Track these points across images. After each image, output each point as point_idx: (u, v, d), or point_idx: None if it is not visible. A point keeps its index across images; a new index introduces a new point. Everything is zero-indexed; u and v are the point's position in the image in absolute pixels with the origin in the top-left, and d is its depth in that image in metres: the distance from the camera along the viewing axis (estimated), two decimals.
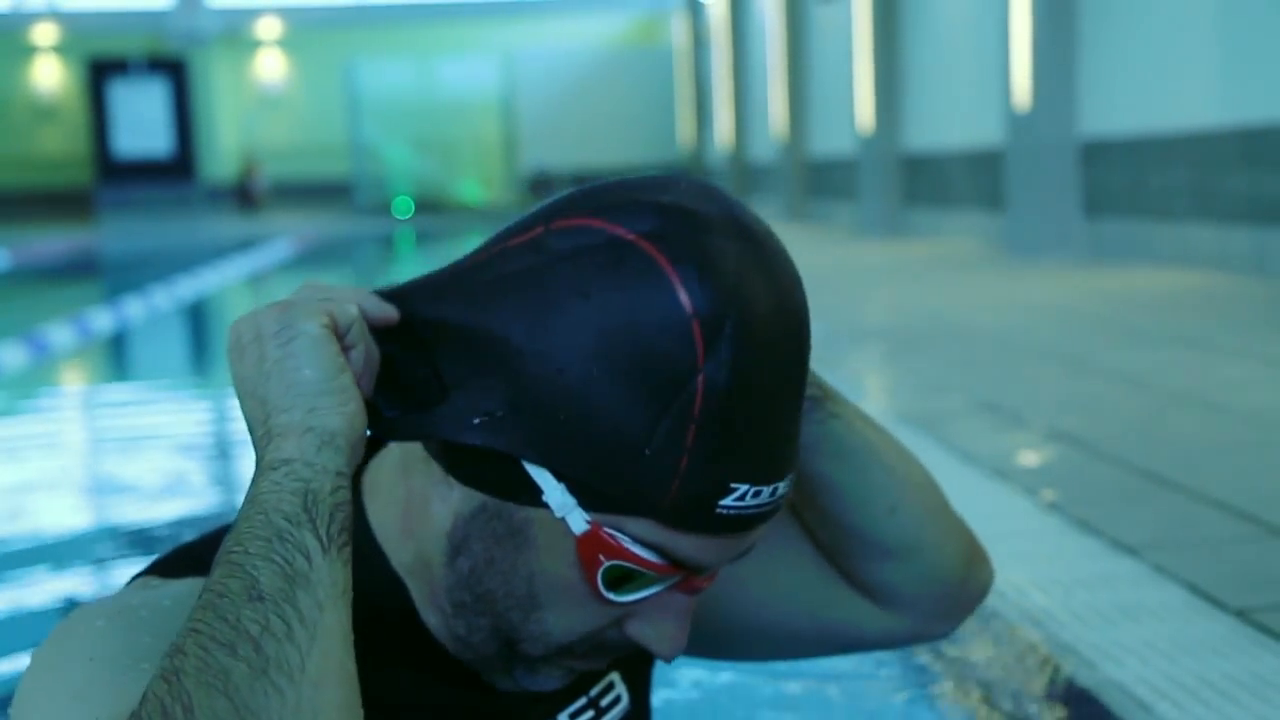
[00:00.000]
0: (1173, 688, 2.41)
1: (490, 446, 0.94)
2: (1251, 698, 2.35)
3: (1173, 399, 5.17)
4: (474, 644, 1.03)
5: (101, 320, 10.86)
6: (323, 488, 0.91)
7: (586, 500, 0.93)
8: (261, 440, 0.93)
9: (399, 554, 1.07)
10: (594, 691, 1.18)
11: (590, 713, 1.17)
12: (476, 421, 0.94)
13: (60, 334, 9.80)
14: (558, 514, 0.94)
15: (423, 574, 1.05)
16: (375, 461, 1.11)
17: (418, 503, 1.04)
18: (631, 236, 0.93)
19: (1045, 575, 3.08)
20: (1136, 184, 10.88)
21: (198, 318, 12.53)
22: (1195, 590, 2.91)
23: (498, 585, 0.99)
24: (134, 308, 11.74)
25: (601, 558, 0.94)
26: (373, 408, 0.97)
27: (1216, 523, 3.44)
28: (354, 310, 0.95)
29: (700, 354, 0.90)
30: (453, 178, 32.96)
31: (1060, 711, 2.47)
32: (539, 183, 30.44)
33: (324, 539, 0.89)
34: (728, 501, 0.92)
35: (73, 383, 8.56)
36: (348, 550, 0.91)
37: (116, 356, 9.76)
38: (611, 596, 0.96)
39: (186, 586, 1.02)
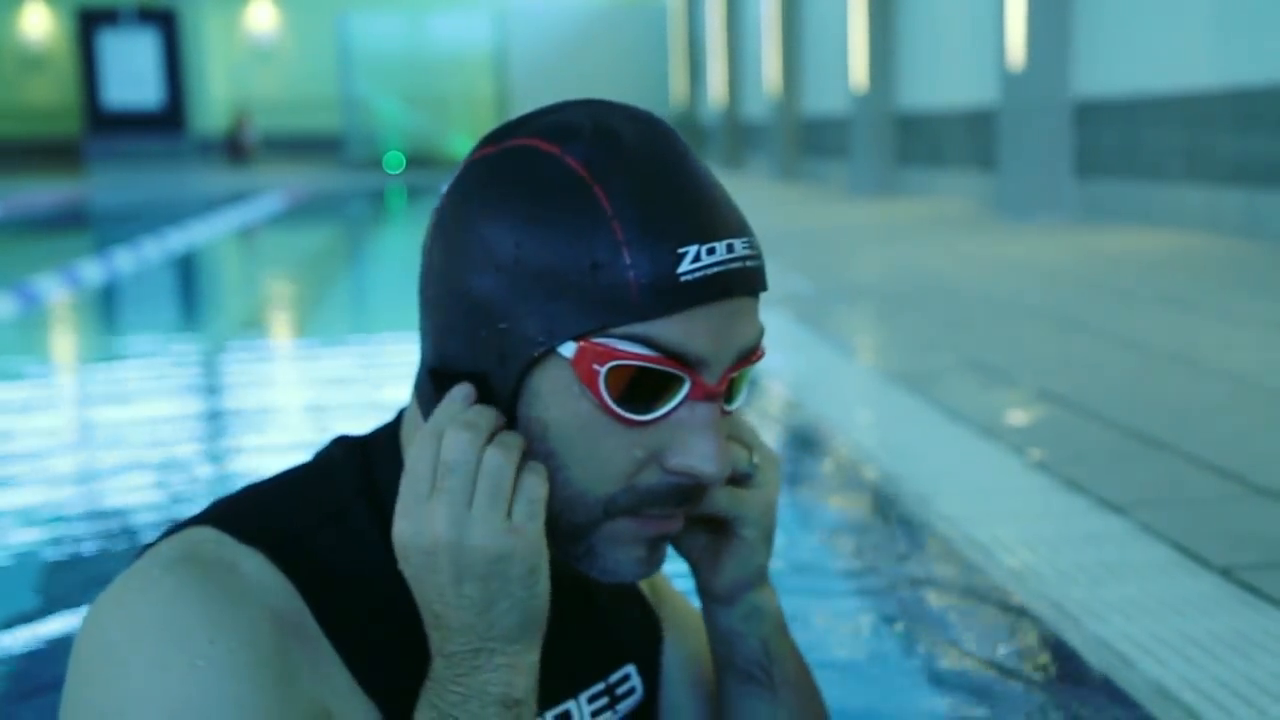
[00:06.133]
0: (1156, 644, 2.43)
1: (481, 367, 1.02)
2: (1234, 655, 2.37)
3: (1161, 360, 5.19)
4: None
5: (91, 271, 10.83)
6: None
7: (567, 336, 0.99)
8: (468, 647, 1.00)
9: None
10: (612, 678, 1.22)
11: (606, 699, 1.20)
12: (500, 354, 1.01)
13: (49, 285, 9.78)
14: (548, 345, 0.99)
15: None
16: (406, 413, 1.13)
17: None
18: (495, 148, 1.04)
19: (1032, 533, 3.10)
20: (1129, 145, 10.86)
21: (188, 270, 12.50)
22: (1181, 549, 2.93)
23: None
24: (123, 260, 11.71)
25: (596, 366, 0.97)
26: None
27: (1203, 482, 3.46)
28: (493, 471, 1.00)
29: (584, 173, 0.98)
30: (444, 133, 32.81)
31: (1045, 667, 2.48)
32: None
33: None
34: (686, 267, 0.97)
35: (62, 333, 8.55)
36: None
37: (106, 308, 9.74)
38: (624, 412, 0.98)
39: (263, 569, 1.03)
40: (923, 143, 15.89)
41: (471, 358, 1.01)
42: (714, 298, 0.98)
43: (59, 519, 3.88)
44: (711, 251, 0.98)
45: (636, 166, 0.99)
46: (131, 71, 33.00)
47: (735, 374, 1.02)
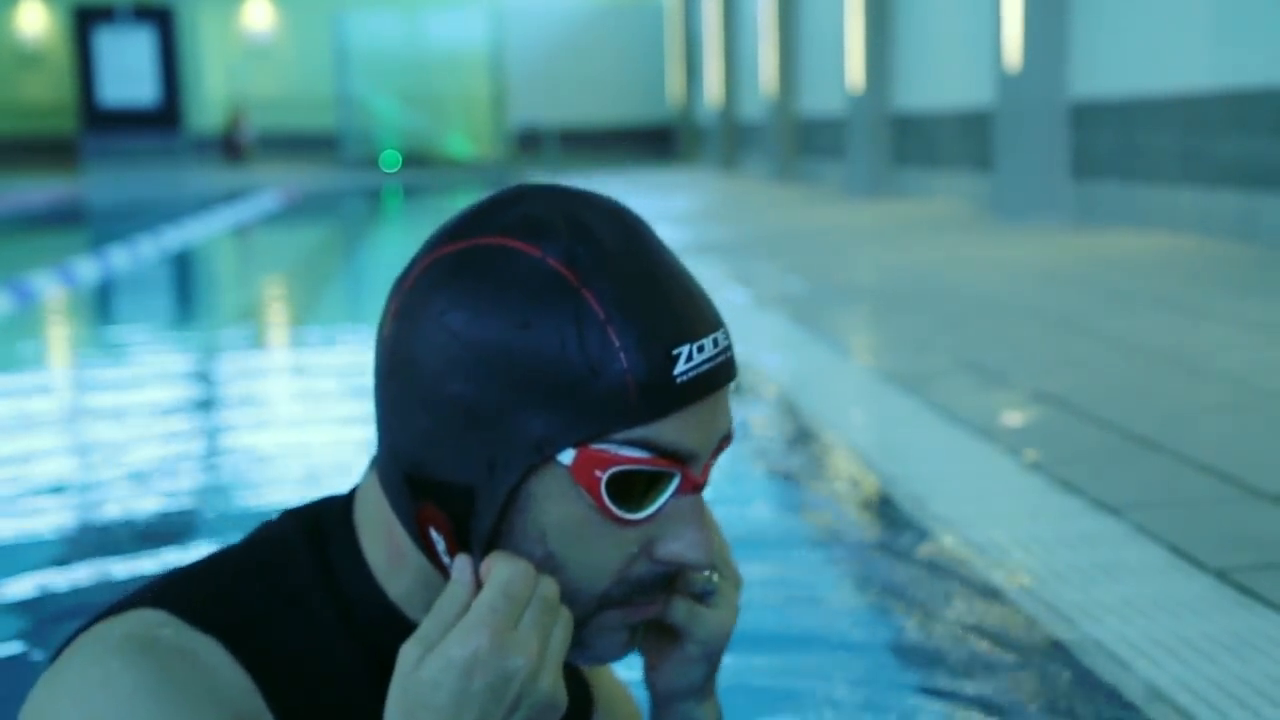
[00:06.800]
0: (1151, 646, 2.43)
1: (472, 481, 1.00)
2: (1228, 656, 2.37)
3: (1157, 361, 5.19)
4: None
5: (86, 269, 10.82)
6: None
7: (568, 443, 0.98)
8: None
9: (394, 586, 1.08)
10: None
11: None
12: (484, 467, 0.99)
13: (45, 282, 9.76)
14: (548, 454, 0.98)
15: (424, 595, 1.07)
16: (361, 494, 1.11)
17: (400, 530, 1.07)
18: (463, 244, 1.01)
19: (1027, 534, 3.10)
20: (1125, 146, 10.87)
21: (183, 268, 12.49)
22: (1175, 550, 2.93)
23: None
24: (119, 257, 11.70)
25: (598, 473, 0.98)
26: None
27: (1198, 484, 3.46)
28: (567, 621, 1.01)
29: (570, 275, 0.98)
30: (440, 132, 32.80)
31: (1040, 669, 2.49)
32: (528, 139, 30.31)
33: None
34: (680, 368, 0.98)
35: (56, 332, 8.54)
36: None
37: (101, 305, 9.73)
38: (622, 513, 0.99)
39: (222, 662, 1.02)
40: (919, 144, 15.90)
41: (457, 466, 0.99)
42: (704, 394, 1.00)
43: (52, 517, 3.87)
44: (701, 350, 1.00)
45: (620, 267, 0.99)
46: (127, 69, 32.95)
47: (713, 461, 1.04)
